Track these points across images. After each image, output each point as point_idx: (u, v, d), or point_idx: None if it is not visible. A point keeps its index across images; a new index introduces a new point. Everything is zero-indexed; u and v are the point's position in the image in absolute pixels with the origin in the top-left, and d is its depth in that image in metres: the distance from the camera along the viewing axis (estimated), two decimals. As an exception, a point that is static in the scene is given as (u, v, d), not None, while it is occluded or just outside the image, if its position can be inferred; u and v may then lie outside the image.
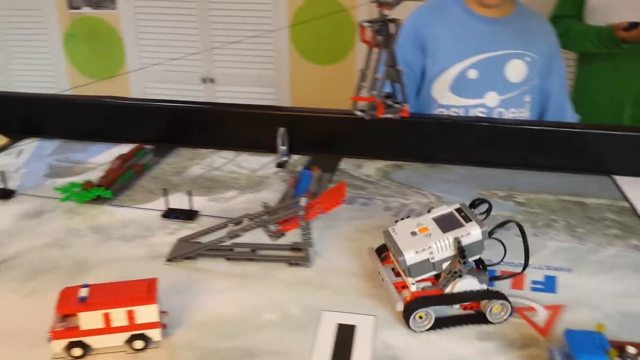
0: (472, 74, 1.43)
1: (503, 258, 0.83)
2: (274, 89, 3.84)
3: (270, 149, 1.29)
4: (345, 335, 0.72)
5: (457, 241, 0.73)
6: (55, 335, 0.68)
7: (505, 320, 0.74)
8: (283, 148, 1.26)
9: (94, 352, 0.69)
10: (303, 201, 0.87)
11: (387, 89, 1.17)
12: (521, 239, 0.78)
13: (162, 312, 0.70)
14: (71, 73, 3.82)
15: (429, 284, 0.76)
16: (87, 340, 0.68)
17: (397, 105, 1.21)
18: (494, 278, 0.81)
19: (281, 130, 1.26)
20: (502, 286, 0.81)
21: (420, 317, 0.72)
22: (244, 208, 1.05)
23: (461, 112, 1.43)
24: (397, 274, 0.79)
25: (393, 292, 0.76)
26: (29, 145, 1.37)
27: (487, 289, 0.75)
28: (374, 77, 1.14)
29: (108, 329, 0.68)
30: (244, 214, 0.91)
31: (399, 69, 1.16)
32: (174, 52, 3.50)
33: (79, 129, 1.41)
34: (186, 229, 0.98)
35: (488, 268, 0.80)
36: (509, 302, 0.74)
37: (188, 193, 1.02)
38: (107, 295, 0.69)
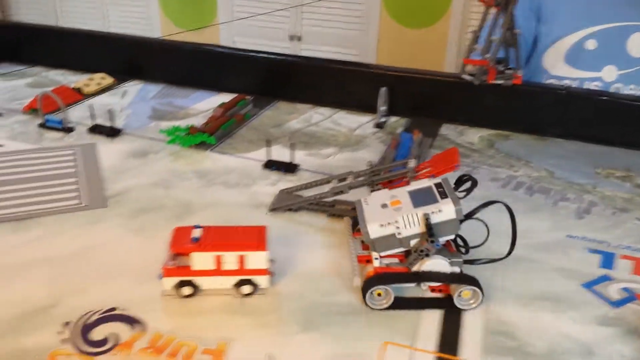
0: (591, 44, 1.33)
1: (485, 240, 0.75)
2: (359, 50, 3.78)
3: (368, 108, 1.26)
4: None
5: (426, 217, 0.68)
6: (167, 272, 0.69)
7: (474, 308, 0.69)
8: (383, 109, 1.23)
9: (201, 293, 0.70)
10: (412, 163, 0.84)
11: (500, 54, 1.11)
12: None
13: (270, 260, 0.70)
14: (164, 23, 3.91)
15: (396, 260, 0.72)
16: (197, 280, 0.69)
17: (509, 72, 1.15)
18: (470, 262, 0.75)
19: (383, 90, 1.22)
20: (623, 272, 0.76)
21: (379, 295, 0.68)
22: (342, 166, 1.04)
23: (574, 85, 1.34)
24: (365, 247, 0.76)
25: (354, 265, 0.73)
26: (133, 87, 1.40)
27: (459, 272, 0.69)
28: (489, 40, 1.08)
29: (218, 272, 0.69)
30: (347, 172, 0.90)
31: (517, 32, 1.09)
32: (265, 7, 3.50)
33: (181, 75, 1.43)
34: (286, 181, 0.97)
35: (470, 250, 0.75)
36: (481, 290, 0.68)
37: (291, 146, 1.02)
38: (219, 238, 0.69)
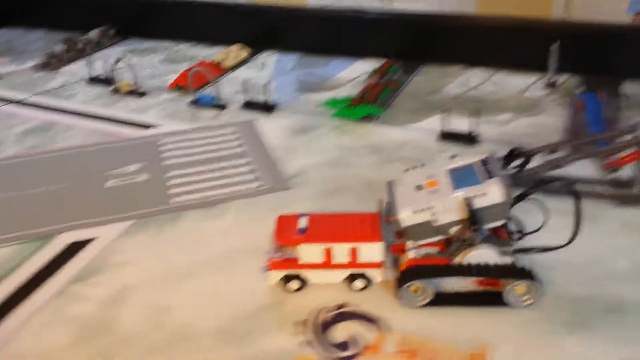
0: None
1: (542, 226, 0.63)
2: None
3: (531, 67, 1.14)
4: None
5: (467, 203, 0.57)
6: (273, 265, 0.63)
7: (530, 305, 0.58)
8: (554, 67, 1.11)
9: (308, 286, 0.64)
10: (641, 129, 0.73)
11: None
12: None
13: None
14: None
15: (435, 249, 0.61)
16: (304, 274, 0.63)
17: None
18: (522, 250, 0.62)
19: (554, 45, 1.09)
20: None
21: (415, 291, 0.59)
22: (525, 133, 0.94)
23: None
24: (399, 235, 0.63)
25: (386, 255, 0.62)
26: (268, 59, 1.35)
27: (511, 264, 0.58)
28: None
29: (328, 265, 0.62)
30: (558, 141, 0.80)
31: None
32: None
33: (316, 43, 1.36)
34: (468, 154, 0.89)
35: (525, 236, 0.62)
36: (539, 283, 0.57)
37: (475, 114, 0.92)
38: (328, 228, 0.62)
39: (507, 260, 0.59)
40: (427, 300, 0.60)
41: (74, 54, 1.40)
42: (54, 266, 0.70)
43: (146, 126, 1.05)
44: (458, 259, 0.59)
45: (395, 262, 0.63)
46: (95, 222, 0.78)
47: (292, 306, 0.62)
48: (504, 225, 0.61)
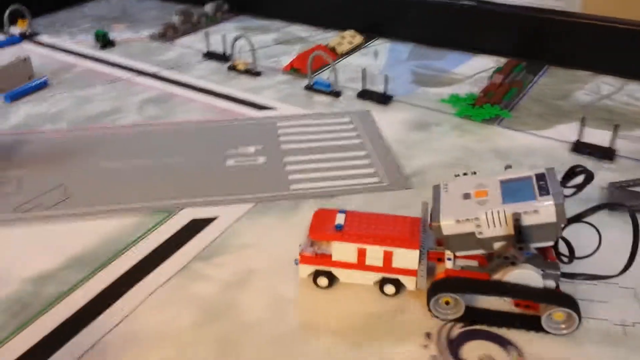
0: None
1: (597, 249, 0.58)
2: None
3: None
4: None
5: (516, 219, 0.53)
6: (304, 259, 0.61)
7: (568, 333, 0.54)
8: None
9: (338, 284, 0.62)
10: None
11: None
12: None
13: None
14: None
15: (474, 263, 0.57)
16: (335, 272, 0.61)
17: None
18: (567, 275, 0.57)
19: None
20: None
21: (447, 303, 0.56)
22: (668, 153, 0.86)
23: None
24: (439, 242, 0.59)
25: (422, 263, 0.59)
26: (382, 47, 1.31)
27: (554, 288, 0.54)
28: None
29: (361, 266, 0.60)
30: None
31: None
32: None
33: (430, 34, 1.31)
34: (606, 170, 0.83)
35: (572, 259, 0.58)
36: (578, 313, 0.53)
37: (614, 128, 0.86)
38: (365, 228, 0.60)
39: (550, 283, 0.55)
40: (456, 316, 0.57)
41: (189, 26, 1.41)
42: (177, 242, 0.71)
43: (262, 107, 1.04)
44: (498, 276, 0.55)
45: (432, 270, 0.61)
46: (216, 201, 0.78)
47: (413, 315, 0.59)
48: (553, 246, 0.57)
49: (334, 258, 0.61)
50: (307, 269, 0.62)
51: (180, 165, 0.86)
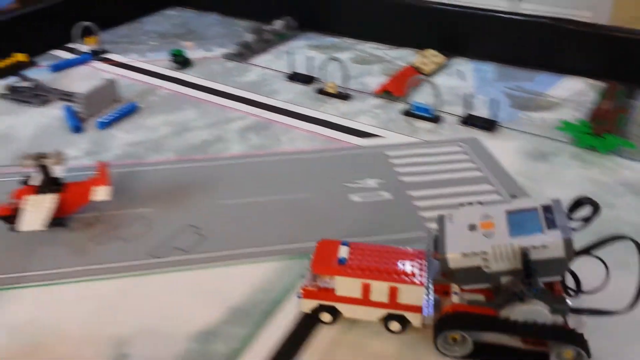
0: None
1: (604, 284, 0.58)
2: (590, 12, 3.35)
3: None
4: None
5: (524, 253, 0.53)
6: (307, 294, 0.60)
7: None
8: None
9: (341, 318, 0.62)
10: None
11: None
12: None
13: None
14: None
15: (481, 297, 0.57)
16: (339, 307, 0.60)
17: None
18: (574, 310, 0.56)
19: None
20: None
21: (454, 340, 0.56)
22: None
23: None
24: (445, 275, 0.58)
25: (430, 295, 0.59)
26: (463, 67, 1.28)
27: (562, 325, 0.54)
28: None
29: (365, 301, 0.59)
30: None
31: None
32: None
33: (510, 52, 1.28)
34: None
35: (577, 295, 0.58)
36: (587, 352, 0.53)
37: None
38: (369, 261, 0.59)
39: (558, 319, 0.54)
40: (463, 354, 0.57)
41: (262, 44, 1.38)
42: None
43: (365, 134, 1.01)
44: (505, 312, 0.55)
45: (437, 305, 0.60)
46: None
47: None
48: (564, 281, 0.57)
49: (337, 293, 0.59)
50: (310, 304, 0.61)
51: (305, 201, 0.83)
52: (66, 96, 1.10)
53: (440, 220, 0.60)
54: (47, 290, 0.68)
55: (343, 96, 1.14)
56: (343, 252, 0.61)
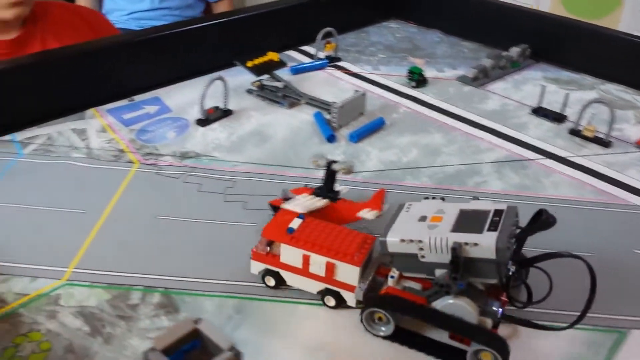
0: None
1: (547, 296, 0.59)
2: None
3: None
4: None
5: (453, 248, 0.53)
6: (255, 256, 0.65)
7: None
8: None
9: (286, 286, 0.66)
10: None
11: None
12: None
13: None
14: (556, 9, 3.53)
15: (419, 285, 0.60)
16: (283, 274, 0.64)
17: None
18: (508, 319, 0.59)
19: None
20: None
21: (380, 319, 0.59)
22: None
23: None
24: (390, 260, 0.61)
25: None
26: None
27: (489, 327, 0.56)
28: None
29: (304, 272, 0.63)
30: None
31: None
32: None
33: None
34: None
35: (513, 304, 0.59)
36: (506, 356, 0.53)
37: None
38: (316, 236, 0.62)
39: (487, 321, 0.56)
40: (386, 334, 0.59)
41: (498, 71, 1.32)
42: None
43: (635, 190, 0.91)
44: (435, 303, 0.57)
45: (379, 286, 0.62)
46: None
47: None
48: (507, 289, 0.57)
49: (281, 260, 0.63)
50: (258, 266, 0.65)
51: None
52: (315, 102, 1.11)
53: (399, 207, 0.63)
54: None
55: (604, 143, 1.04)
56: (295, 223, 0.64)
